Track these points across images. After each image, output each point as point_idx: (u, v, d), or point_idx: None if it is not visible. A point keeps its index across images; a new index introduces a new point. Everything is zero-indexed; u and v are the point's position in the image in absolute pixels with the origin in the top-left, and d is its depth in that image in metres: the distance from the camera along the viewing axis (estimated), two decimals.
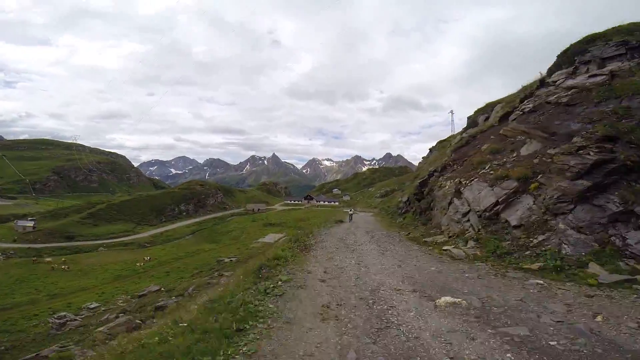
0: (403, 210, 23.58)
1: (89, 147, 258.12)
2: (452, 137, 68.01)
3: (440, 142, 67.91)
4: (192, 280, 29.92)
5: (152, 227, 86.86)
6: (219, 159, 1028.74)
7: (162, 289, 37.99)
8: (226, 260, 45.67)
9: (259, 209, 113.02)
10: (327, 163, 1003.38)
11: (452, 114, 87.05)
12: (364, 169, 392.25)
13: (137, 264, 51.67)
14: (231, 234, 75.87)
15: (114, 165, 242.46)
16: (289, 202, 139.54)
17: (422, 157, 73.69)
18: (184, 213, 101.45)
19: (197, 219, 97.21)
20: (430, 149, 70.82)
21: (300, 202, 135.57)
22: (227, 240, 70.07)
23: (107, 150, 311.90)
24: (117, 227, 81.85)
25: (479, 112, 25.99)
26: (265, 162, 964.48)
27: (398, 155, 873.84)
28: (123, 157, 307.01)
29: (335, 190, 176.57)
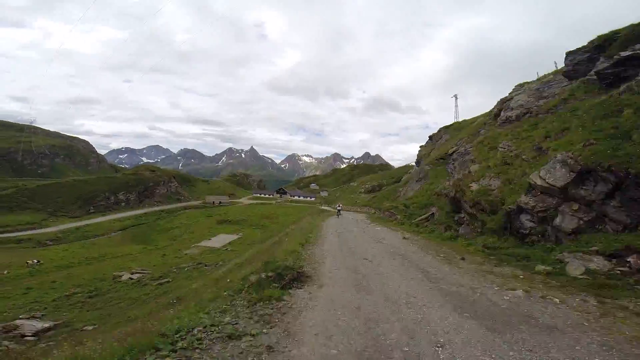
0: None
1: (45, 130, 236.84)
2: (464, 122, 58.52)
3: (446, 127, 59.17)
4: None
5: (72, 219, 67.09)
6: (194, 150, 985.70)
7: None
8: (125, 277, 28.91)
9: (220, 202, 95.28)
10: (306, 159, 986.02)
11: (456, 98, 74.69)
12: (343, 166, 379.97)
13: None
14: (172, 232, 58.22)
15: (71, 150, 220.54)
16: (258, 195, 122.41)
17: (420, 146, 64.33)
18: (122, 203, 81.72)
19: (138, 211, 78.07)
20: (430, 137, 62.33)
21: (271, 196, 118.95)
22: (162, 241, 52.51)
23: (71, 135, 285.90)
24: (20, 219, 61.59)
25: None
26: (243, 155, 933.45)
27: (376, 155, 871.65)
28: (85, 142, 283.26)
29: (312, 186, 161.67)
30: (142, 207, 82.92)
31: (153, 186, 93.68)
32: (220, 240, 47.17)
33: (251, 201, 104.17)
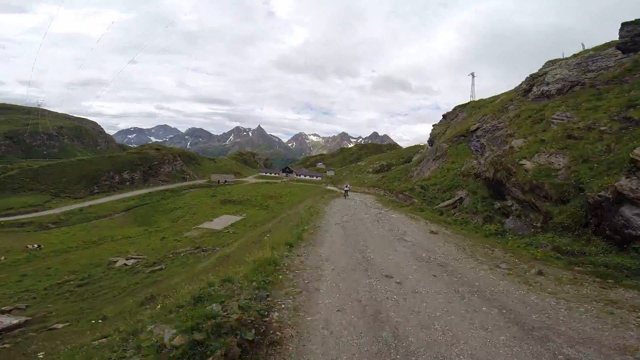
0: None
1: (52, 112, 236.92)
2: (481, 101, 55.17)
3: (462, 105, 54.79)
4: None
5: (75, 200, 66.29)
6: (201, 129, 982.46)
7: None
8: (120, 263, 27.29)
9: (225, 181, 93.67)
10: (313, 138, 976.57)
11: (473, 76, 69.63)
12: (350, 146, 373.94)
13: None
14: (175, 213, 56.83)
15: (79, 131, 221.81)
16: (264, 174, 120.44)
17: (433, 125, 61.64)
18: (127, 183, 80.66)
19: (142, 191, 77.00)
20: (444, 115, 59.57)
21: (277, 175, 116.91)
22: (164, 222, 51.16)
23: (80, 116, 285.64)
24: (23, 200, 60.93)
25: None
26: (250, 133, 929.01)
27: (384, 135, 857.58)
28: (94, 122, 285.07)
29: (319, 164, 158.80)
30: (146, 187, 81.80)
31: (158, 165, 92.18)
32: (222, 221, 45.41)
33: (257, 180, 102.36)
